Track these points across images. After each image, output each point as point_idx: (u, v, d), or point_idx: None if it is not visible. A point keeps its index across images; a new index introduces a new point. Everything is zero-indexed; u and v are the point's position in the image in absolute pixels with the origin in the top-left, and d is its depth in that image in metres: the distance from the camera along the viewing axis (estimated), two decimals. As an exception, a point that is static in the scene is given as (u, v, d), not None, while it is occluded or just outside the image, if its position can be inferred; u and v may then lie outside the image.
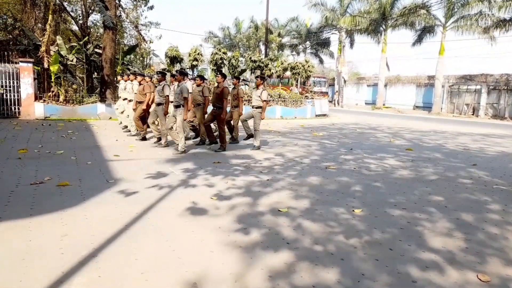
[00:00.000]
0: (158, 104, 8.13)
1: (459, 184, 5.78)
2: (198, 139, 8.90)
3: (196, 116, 8.58)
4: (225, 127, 8.28)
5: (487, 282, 2.75)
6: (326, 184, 5.46)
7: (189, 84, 9.00)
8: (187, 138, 9.42)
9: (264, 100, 8.32)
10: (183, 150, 7.47)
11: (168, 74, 11.33)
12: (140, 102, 8.89)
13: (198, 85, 8.41)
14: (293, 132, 12.37)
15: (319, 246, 3.29)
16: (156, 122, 8.66)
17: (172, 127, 7.65)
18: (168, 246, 3.20)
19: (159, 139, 8.52)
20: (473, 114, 26.46)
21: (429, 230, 3.77)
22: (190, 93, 8.89)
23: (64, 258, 2.89)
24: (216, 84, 8.36)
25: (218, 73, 8.36)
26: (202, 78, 8.49)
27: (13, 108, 12.64)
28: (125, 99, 10.22)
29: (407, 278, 2.78)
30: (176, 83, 7.82)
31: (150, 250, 3.10)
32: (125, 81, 10.37)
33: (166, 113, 7.92)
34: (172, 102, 7.81)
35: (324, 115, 20.04)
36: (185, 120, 7.59)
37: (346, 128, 14.47)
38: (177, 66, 18.57)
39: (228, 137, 8.80)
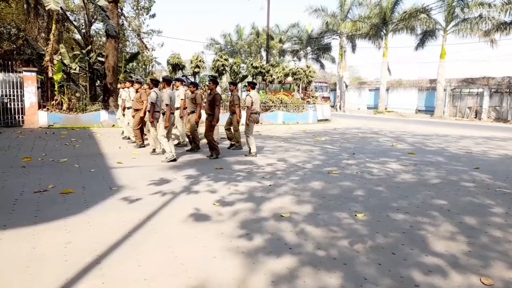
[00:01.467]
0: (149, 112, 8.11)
1: (462, 188, 5.77)
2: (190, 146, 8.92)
3: (189, 123, 8.59)
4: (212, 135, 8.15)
5: (491, 286, 2.75)
6: (329, 189, 5.47)
7: (181, 91, 9.11)
8: (183, 145, 9.45)
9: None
10: (172, 158, 7.31)
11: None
12: (138, 110, 8.93)
13: (192, 92, 8.41)
14: (295, 137, 12.39)
15: (322, 251, 3.30)
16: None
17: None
18: (171, 252, 3.22)
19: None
20: (475, 117, 26.40)
21: (432, 234, 3.77)
22: (182, 99, 8.99)
23: (68, 265, 2.92)
24: (209, 92, 8.28)
25: (210, 79, 8.16)
26: (195, 85, 8.51)
27: (17, 116, 12.76)
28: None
29: (410, 282, 2.77)
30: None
31: (153, 257, 3.12)
32: (122, 88, 10.42)
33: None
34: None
35: (326, 120, 20.07)
36: (166, 127, 7.29)
37: (348, 132, 14.47)
38: (179, 73, 18.71)
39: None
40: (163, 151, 7.89)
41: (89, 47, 16.37)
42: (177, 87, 9.26)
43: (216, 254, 3.20)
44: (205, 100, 8.91)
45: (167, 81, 7.48)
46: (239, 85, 20.74)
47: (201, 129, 8.83)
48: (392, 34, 29.88)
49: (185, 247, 3.34)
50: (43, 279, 2.71)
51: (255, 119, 8.47)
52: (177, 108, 9.05)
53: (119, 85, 12.16)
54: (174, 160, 7.37)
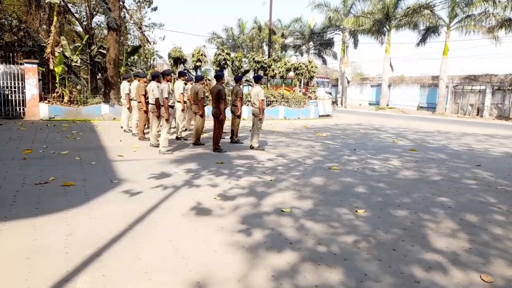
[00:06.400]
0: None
1: (463, 185, 5.75)
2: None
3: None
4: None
5: (491, 283, 2.75)
6: (330, 185, 5.46)
7: (180, 84, 9.13)
8: (184, 139, 9.48)
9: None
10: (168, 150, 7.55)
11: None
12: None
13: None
14: (297, 132, 12.37)
15: (322, 246, 3.29)
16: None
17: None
18: (171, 245, 3.22)
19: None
20: (477, 115, 26.30)
21: (433, 230, 3.76)
22: (181, 93, 9.03)
23: (68, 257, 2.92)
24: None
25: (214, 75, 8.42)
26: (200, 78, 8.59)
27: (18, 108, 12.73)
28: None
29: (411, 279, 2.77)
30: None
31: (154, 250, 3.12)
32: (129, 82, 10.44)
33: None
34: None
35: (328, 115, 20.02)
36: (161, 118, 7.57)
37: (349, 128, 14.44)
38: (181, 67, 18.64)
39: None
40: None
41: (90, 40, 16.29)
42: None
43: (216, 248, 3.20)
44: (207, 94, 8.95)
45: (164, 75, 7.75)
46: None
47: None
48: (395, 30, 29.67)
49: (186, 240, 3.34)
50: (44, 270, 2.71)
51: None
52: (177, 101, 9.10)
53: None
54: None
